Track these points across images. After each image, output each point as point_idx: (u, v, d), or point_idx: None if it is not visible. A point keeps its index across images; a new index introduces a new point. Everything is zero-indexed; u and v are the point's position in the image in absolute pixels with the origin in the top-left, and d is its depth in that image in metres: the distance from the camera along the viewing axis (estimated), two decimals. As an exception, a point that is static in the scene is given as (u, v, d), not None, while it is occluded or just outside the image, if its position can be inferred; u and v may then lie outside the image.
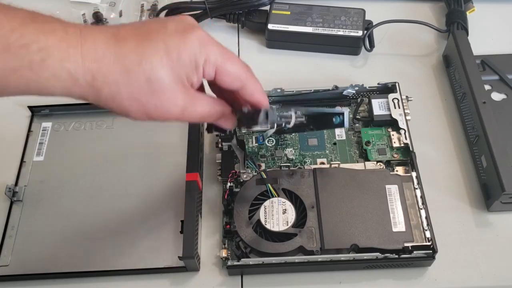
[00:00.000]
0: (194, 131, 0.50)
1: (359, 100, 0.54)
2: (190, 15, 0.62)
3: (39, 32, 0.30)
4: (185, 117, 0.36)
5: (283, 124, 0.44)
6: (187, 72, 0.34)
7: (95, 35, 0.32)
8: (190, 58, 0.34)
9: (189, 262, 0.44)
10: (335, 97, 0.54)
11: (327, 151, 0.51)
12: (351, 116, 0.53)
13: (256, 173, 0.48)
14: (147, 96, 0.33)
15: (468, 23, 0.60)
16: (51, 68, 0.30)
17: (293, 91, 0.53)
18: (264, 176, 0.47)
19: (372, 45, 0.61)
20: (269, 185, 0.47)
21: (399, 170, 0.49)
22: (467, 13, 0.61)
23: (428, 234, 0.45)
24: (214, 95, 0.41)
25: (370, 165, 0.49)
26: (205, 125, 0.54)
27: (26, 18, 0.30)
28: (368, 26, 0.60)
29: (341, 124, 0.45)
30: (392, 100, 0.52)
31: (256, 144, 0.51)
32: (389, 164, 0.50)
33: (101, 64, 0.32)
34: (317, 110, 0.46)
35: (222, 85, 0.37)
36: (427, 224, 0.45)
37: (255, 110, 0.39)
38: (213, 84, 0.40)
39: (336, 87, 0.53)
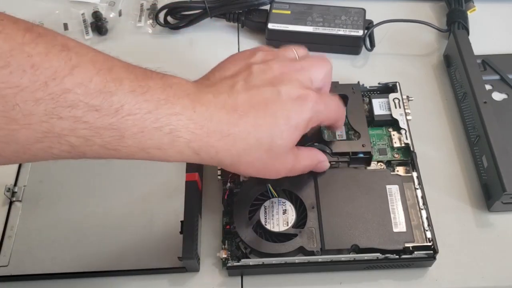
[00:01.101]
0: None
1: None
2: (189, 14, 0.62)
3: (171, 114, 0.32)
4: (290, 173, 0.41)
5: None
6: (301, 133, 0.38)
7: (218, 113, 0.34)
8: (307, 124, 0.38)
9: (189, 263, 0.44)
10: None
11: (327, 151, 0.51)
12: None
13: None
14: (264, 163, 0.37)
15: (469, 23, 0.60)
16: (177, 147, 0.33)
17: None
18: (264, 176, 0.47)
19: (372, 45, 0.61)
20: (269, 185, 0.46)
21: (400, 170, 0.49)
22: (468, 12, 0.61)
23: (429, 234, 0.44)
24: None
25: (370, 165, 0.49)
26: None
27: (159, 94, 0.32)
28: (369, 25, 0.60)
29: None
30: (393, 100, 0.52)
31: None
32: (389, 164, 0.50)
33: (226, 141, 0.34)
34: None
35: (321, 124, 0.43)
36: (428, 225, 0.45)
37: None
38: None
39: (337, 85, 0.53)
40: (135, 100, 0.30)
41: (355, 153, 0.48)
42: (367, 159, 0.49)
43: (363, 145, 0.48)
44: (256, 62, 0.39)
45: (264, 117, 0.35)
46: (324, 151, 0.48)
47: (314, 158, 0.44)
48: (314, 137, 0.48)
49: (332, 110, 0.41)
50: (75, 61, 0.28)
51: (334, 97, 0.42)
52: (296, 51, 0.42)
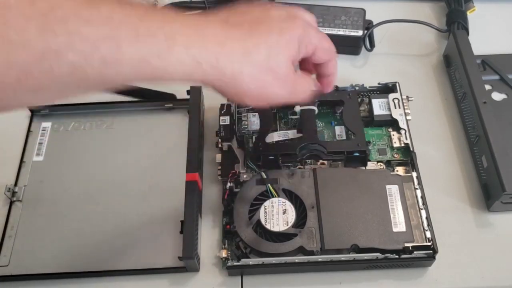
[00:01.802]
0: (194, 132, 0.50)
1: (359, 100, 0.54)
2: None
3: (163, 21, 0.31)
4: (289, 99, 0.39)
5: None
6: (295, 52, 0.37)
7: (210, 22, 0.34)
8: (299, 39, 0.37)
9: (189, 263, 0.44)
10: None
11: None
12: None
13: (256, 173, 0.48)
14: (266, 74, 0.36)
15: (468, 23, 0.60)
16: (176, 54, 0.31)
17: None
18: (264, 176, 0.47)
19: (372, 45, 0.61)
20: (269, 185, 0.46)
21: (400, 170, 0.49)
22: (468, 13, 0.61)
23: (428, 234, 0.45)
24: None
25: (370, 165, 0.49)
26: (205, 125, 0.54)
27: (147, 7, 0.31)
28: (369, 25, 0.60)
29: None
30: (393, 100, 0.52)
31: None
32: (389, 164, 0.50)
33: (224, 47, 0.33)
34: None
35: (316, 60, 0.41)
36: (428, 224, 0.45)
37: None
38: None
39: (336, 87, 0.53)
40: (122, 8, 0.30)
41: (350, 152, 0.49)
42: (363, 158, 0.49)
43: (358, 145, 0.49)
44: (273, 10, 0.39)
45: (258, 28, 0.36)
46: (319, 151, 0.48)
47: (311, 82, 0.42)
48: (308, 136, 0.49)
49: (323, 38, 0.40)
50: None
51: (326, 35, 0.42)
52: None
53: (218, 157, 0.50)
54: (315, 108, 0.51)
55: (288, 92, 0.38)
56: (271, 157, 0.48)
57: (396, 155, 0.50)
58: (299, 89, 0.40)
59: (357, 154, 0.49)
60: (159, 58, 0.31)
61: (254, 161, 0.49)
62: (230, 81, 0.35)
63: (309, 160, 0.50)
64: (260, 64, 0.35)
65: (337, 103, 0.53)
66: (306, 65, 0.42)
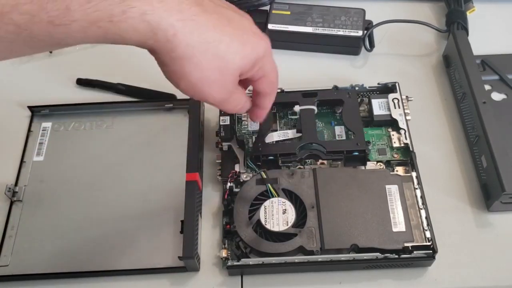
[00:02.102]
0: (194, 132, 0.50)
1: (359, 100, 0.54)
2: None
3: None
4: (219, 105, 0.38)
5: None
6: (247, 67, 0.36)
7: None
8: (256, 58, 0.36)
9: (189, 262, 0.44)
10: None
11: (327, 151, 0.51)
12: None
13: (256, 173, 0.48)
14: (212, 72, 0.34)
15: (468, 23, 0.60)
16: (130, 20, 0.29)
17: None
18: (264, 176, 0.47)
19: (372, 45, 0.61)
20: (269, 185, 0.47)
21: (399, 170, 0.49)
22: (467, 13, 0.61)
23: (428, 234, 0.45)
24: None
25: (370, 165, 0.49)
26: (205, 125, 0.55)
27: None
28: (368, 26, 0.60)
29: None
30: (392, 100, 0.52)
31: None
32: (389, 164, 0.50)
33: (185, 24, 0.31)
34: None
35: (257, 88, 0.41)
36: (427, 224, 0.45)
37: None
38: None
39: (336, 87, 0.53)
40: None
41: (350, 152, 0.49)
42: (362, 157, 0.49)
43: (357, 144, 0.49)
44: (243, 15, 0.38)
45: (226, 27, 0.34)
46: (319, 151, 0.49)
47: (247, 101, 0.42)
48: (308, 136, 0.49)
49: (274, 70, 0.40)
50: None
51: (277, 70, 0.41)
52: None
53: (218, 157, 0.50)
54: (314, 108, 0.51)
55: (222, 99, 0.37)
56: (271, 157, 0.48)
57: (395, 155, 0.50)
58: (232, 101, 0.39)
59: (356, 153, 0.49)
60: (111, 22, 0.29)
61: (254, 162, 0.49)
62: (177, 60, 0.33)
63: (309, 160, 0.50)
64: (211, 59, 0.34)
65: (336, 103, 0.53)
66: (242, 86, 0.41)
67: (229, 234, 0.46)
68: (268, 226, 0.44)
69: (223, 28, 0.34)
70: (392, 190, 0.47)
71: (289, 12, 0.61)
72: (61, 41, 0.29)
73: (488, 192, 0.49)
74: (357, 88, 0.54)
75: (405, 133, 0.50)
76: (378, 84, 0.54)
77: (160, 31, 0.31)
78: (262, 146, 0.49)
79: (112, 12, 0.29)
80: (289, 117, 0.53)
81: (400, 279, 0.45)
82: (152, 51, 0.33)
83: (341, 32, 0.59)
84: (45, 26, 0.28)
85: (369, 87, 0.54)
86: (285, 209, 0.45)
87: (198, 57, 0.33)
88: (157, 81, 0.54)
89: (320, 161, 0.50)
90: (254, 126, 0.52)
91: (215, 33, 0.33)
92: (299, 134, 0.50)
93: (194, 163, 0.48)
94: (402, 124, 0.51)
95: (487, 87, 0.55)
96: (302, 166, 0.50)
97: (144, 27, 0.30)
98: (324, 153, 0.49)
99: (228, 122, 0.51)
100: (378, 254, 0.43)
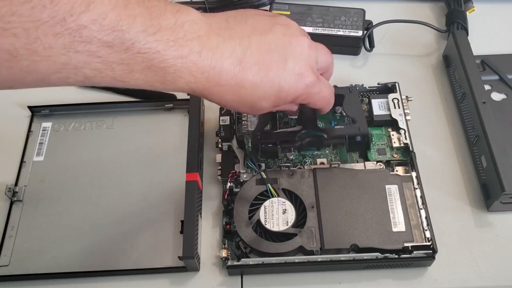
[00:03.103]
0: (194, 132, 0.50)
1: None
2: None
3: (177, 57, 0.33)
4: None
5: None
6: (283, 104, 0.40)
7: (223, 62, 0.36)
8: (293, 99, 0.40)
9: (189, 262, 0.44)
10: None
11: (327, 151, 0.51)
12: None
13: (256, 173, 0.48)
14: (246, 110, 0.41)
15: (468, 23, 0.60)
16: (178, 85, 0.35)
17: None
18: (264, 176, 0.47)
19: (372, 45, 0.61)
20: (269, 185, 0.47)
21: (399, 170, 0.49)
22: (467, 13, 0.61)
23: (428, 234, 0.45)
24: None
25: (370, 165, 0.49)
26: (205, 125, 0.55)
27: (169, 35, 0.33)
28: (368, 26, 0.60)
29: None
30: (392, 100, 0.52)
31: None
32: (389, 164, 0.50)
33: (219, 90, 0.37)
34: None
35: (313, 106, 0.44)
36: (427, 224, 0.45)
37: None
38: None
39: (336, 87, 0.53)
40: (145, 40, 0.32)
41: (352, 137, 0.48)
42: (365, 143, 0.49)
43: (359, 129, 0.48)
44: (279, 23, 0.40)
45: (262, 79, 0.38)
46: (320, 136, 0.48)
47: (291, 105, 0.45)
48: (308, 125, 0.49)
49: (322, 97, 0.42)
50: None
51: (330, 87, 0.44)
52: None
53: (218, 157, 0.50)
54: None
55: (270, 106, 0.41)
56: (270, 145, 0.48)
57: (395, 155, 0.50)
58: (283, 108, 0.43)
59: (358, 138, 0.48)
60: (163, 84, 0.34)
61: (254, 151, 0.49)
62: (214, 102, 0.39)
63: (309, 160, 0.50)
64: (239, 107, 0.39)
65: (337, 99, 0.52)
66: None
67: (229, 234, 0.46)
68: (268, 226, 0.44)
69: (258, 80, 0.37)
70: (392, 190, 0.47)
71: (289, 12, 0.61)
72: (117, 87, 0.34)
73: (488, 192, 0.49)
74: (357, 88, 0.53)
75: (405, 133, 0.50)
76: (378, 84, 0.54)
77: (199, 92, 0.36)
78: (262, 134, 0.49)
79: (165, 79, 0.34)
80: (289, 117, 0.53)
81: (400, 279, 0.46)
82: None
83: (341, 32, 0.59)
84: (108, 79, 0.32)
85: (369, 87, 0.54)
86: (285, 209, 0.45)
87: (231, 105, 0.39)
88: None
89: (320, 161, 0.50)
90: (254, 126, 0.52)
91: (248, 90, 0.37)
92: (300, 127, 0.49)
93: (194, 163, 0.48)
94: (402, 124, 0.51)
95: (487, 87, 0.55)
96: (302, 166, 0.50)
97: (187, 89, 0.36)
98: (325, 138, 0.48)
99: (228, 122, 0.51)
100: (378, 254, 0.43)
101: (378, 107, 0.52)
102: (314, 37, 0.59)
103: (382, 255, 0.43)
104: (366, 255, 0.43)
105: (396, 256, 0.43)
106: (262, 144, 0.48)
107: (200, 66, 0.35)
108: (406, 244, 0.44)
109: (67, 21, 0.28)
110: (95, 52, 0.30)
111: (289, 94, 0.39)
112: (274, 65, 0.38)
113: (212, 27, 0.36)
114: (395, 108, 0.52)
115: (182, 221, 0.46)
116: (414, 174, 0.48)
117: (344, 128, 0.50)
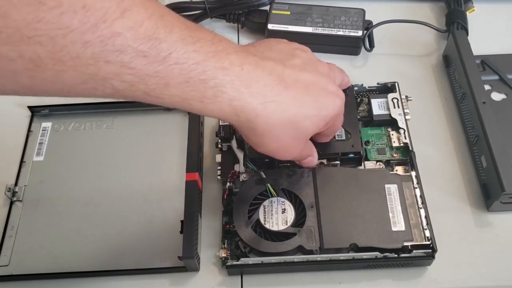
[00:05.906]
0: (194, 132, 0.50)
1: (358, 100, 0.54)
2: (190, 15, 0.62)
3: (218, 68, 0.32)
4: (295, 158, 0.43)
5: None
6: (320, 128, 0.40)
7: (265, 77, 0.35)
8: (330, 118, 0.39)
9: (189, 262, 0.44)
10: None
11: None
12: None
13: (255, 173, 0.48)
14: (285, 141, 0.38)
15: (468, 23, 0.60)
16: (219, 103, 0.32)
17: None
18: (264, 176, 0.47)
19: (372, 45, 0.61)
20: (269, 185, 0.47)
21: (399, 170, 0.49)
22: (467, 13, 0.61)
23: (427, 233, 0.45)
24: None
25: (369, 164, 0.49)
26: (205, 124, 0.55)
27: (209, 46, 0.31)
28: (368, 26, 0.60)
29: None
30: (392, 99, 0.52)
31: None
32: (388, 163, 0.50)
33: (266, 107, 0.34)
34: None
35: (324, 133, 0.44)
36: (427, 223, 0.45)
37: None
38: None
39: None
40: (184, 49, 0.30)
41: (345, 154, 0.49)
42: (358, 159, 0.49)
43: (352, 146, 0.49)
44: (299, 49, 0.41)
45: (304, 97, 0.37)
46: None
47: (313, 151, 0.45)
48: None
49: (341, 120, 0.44)
50: (127, 3, 0.27)
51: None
52: None
53: (218, 157, 0.50)
54: None
55: (298, 154, 0.41)
56: (266, 160, 0.48)
57: (395, 155, 0.50)
58: (305, 152, 0.43)
59: (352, 155, 0.49)
60: (202, 102, 0.32)
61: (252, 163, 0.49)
62: (256, 136, 0.36)
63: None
64: (288, 132, 0.37)
65: None
66: None
67: (228, 234, 0.46)
68: (267, 226, 0.44)
69: (302, 99, 0.37)
70: (392, 189, 0.47)
71: (289, 12, 0.61)
72: (147, 101, 0.31)
73: (488, 192, 0.49)
74: (356, 88, 0.54)
75: (404, 133, 0.50)
76: (378, 84, 0.54)
77: (243, 113, 0.34)
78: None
79: (204, 94, 0.31)
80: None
81: (399, 279, 0.45)
82: (233, 125, 0.38)
83: (341, 32, 0.59)
84: (140, 94, 0.30)
85: (368, 87, 0.54)
86: (285, 209, 0.45)
87: (276, 131, 0.36)
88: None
89: (320, 161, 0.50)
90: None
91: (294, 108, 0.36)
92: None
93: (194, 163, 0.48)
94: (401, 124, 0.51)
95: (487, 87, 0.55)
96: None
97: (229, 110, 0.33)
98: (319, 153, 0.48)
99: (228, 122, 0.51)
100: (377, 253, 0.43)
101: (377, 106, 0.52)
102: (314, 37, 0.60)
103: (382, 255, 0.43)
104: (365, 255, 0.43)
105: (396, 255, 0.43)
106: (258, 160, 0.48)
107: (244, 79, 0.33)
108: (405, 243, 0.44)
109: (99, 27, 0.26)
110: (128, 63, 0.28)
111: (329, 112, 0.38)
112: (310, 84, 0.37)
113: (245, 48, 0.36)
114: (394, 107, 0.52)
115: (182, 221, 0.46)
116: (413, 173, 0.48)
117: (338, 144, 0.50)
